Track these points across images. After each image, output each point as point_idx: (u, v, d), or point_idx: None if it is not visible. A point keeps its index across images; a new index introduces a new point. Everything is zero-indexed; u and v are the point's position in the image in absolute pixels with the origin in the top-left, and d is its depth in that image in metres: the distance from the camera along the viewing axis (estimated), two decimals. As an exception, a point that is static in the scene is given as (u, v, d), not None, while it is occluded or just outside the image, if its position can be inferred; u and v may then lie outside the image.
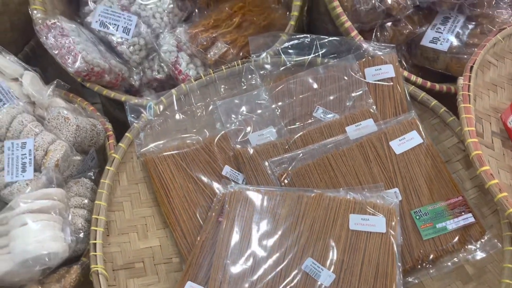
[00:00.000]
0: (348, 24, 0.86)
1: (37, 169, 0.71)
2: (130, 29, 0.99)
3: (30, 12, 0.92)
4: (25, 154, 0.69)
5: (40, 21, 0.93)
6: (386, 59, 0.85)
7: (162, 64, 1.02)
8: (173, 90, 0.87)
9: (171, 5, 1.02)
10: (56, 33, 0.91)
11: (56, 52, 0.90)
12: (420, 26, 0.96)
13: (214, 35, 0.96)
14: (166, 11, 1.02)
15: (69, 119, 0.78)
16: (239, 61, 0.90)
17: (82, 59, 0.88)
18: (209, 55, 0.95)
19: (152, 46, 1.02)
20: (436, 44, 0.95)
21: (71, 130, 0.77)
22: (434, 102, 0.83)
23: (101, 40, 1.01)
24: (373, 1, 0.87)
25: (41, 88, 0.85)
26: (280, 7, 1.12)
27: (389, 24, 0.94)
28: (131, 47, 1.00)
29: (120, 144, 0.80)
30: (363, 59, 0.86)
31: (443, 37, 0.94)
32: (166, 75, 1.03)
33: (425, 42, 0.96)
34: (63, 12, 1.07)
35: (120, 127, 0.89)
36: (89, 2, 1.06)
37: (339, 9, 0.85)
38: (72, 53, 0.88)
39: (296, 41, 0.90)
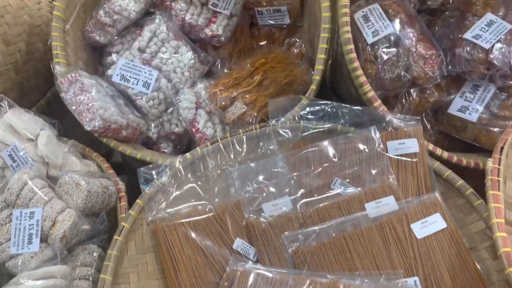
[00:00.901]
0: (372, 94, 0.82)
1: (44, 239, 0.70)
2: (150, 83, 0.98)
3: (52, 66, 0.93)
4: (32, 224, 0.68)
5: (61, 75, 0.94)
6: (410, 133, 0.81)
7: (180, 118, 1.01)
8: (187, 154, 0.85)
9: (192, 60, 1.01)
10: (76, 89, 0.91)
11: (74, 108, 0.90)
12: (448, 93, 0.92)
13: (233, 95, 0.94)
14: (187, 66, 1.01)
15: (80, 185, 0.77)
16: (257, 125, 0.87)
17: (100, 117, 0.87)
18: (227, 115, 0.93)
19: (171, 100, 1.01)
20: (464, 113, 0.90)
21: (81, 196, 0.75)
22: (460, 182, 0.79)
23: (121, 93, 1.00)
24: (398, 70, 0.84)
25: (56, 148, 0.85)
26: (303, 62, 1.10)
27: (415, 90, 0.90)
28: (150, 101, 0.99)
29: (130, 211, 0.78)
30: (386, 131, 0.83)
31: (472, 106, 0.90)
32: (185, 129, 1.02)
33: (453, 110, 0.92)
34: (86, 61, 1.07)
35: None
36: (112, 53, 1.07)
37: (363, 78, 0.82)
38: (90, 111, 0.88)
39: (317, 108, 0.88)
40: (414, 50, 0.85)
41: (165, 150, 1.05)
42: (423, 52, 0.85)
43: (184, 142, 1.07)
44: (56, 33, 0.96)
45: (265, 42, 1.22)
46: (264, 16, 1.21)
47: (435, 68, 0.84)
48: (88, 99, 0.89)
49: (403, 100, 0.91)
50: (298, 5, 1.19)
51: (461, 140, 0.95)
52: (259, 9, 1.20)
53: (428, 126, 0.96)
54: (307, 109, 0.89)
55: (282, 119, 0.88)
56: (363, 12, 0.91)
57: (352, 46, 0.82)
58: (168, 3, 1.13)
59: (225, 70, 1.10)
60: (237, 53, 1.19)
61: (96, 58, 1.11)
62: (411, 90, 0.90)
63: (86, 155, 0.95)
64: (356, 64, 0.82)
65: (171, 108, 1.04)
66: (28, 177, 0.76)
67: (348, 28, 0.83)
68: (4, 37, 0.97)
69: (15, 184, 0.74)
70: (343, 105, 0.85)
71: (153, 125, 1.03)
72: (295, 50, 1.13)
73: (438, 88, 0.91)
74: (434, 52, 0.86)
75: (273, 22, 1.22)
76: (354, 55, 0.83)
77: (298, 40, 1.16)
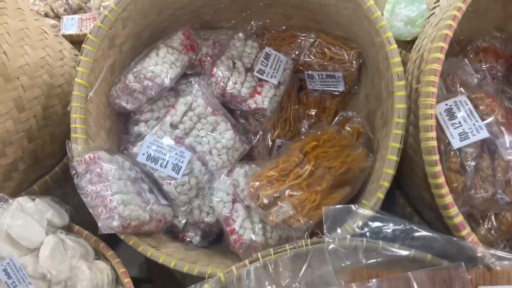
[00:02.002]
0: (459, 219, 0.65)
1: None
2: (181, 167, 0.83)
3: (68, 146, 0.78)
4: None
5: (78, 155, 0.79)
6: (511, 276, 0.63)
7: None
8: (221, 275, 0.68)
9: (232, 141, 0.86)
10: (93, 175, 0.76)
11: (89, 199, 0.75)
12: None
13: (277, 194, 0.78)
14: (225, 148, 0.85)
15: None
16: (308, 240, 0.70)
17: (118, 216, 0.72)
18: (270, 217, 0.77)
19: (203, 186, 0.86)
20: None
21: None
22: None
23: (146, 174, 0.86)
24: (494, 189, 0.66)
25: (61, 260, 0.70)
26: (359, 144, 0.93)
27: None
28: (179, 187, 0.84)
29: None
30: (475, 269, 0.64)
31: None
32: (217, 219, 0.86)
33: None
34: (109, 128, 0.93)
35: None
36: (139, 121, 0.92)
37: (449, 199, 0.65)
38: (107, 207, 0.73)
39: (383, 225, 0.70)
40: (515, 164, 0.67)
41: (192, 240, 0.90)
42: (528, 167, 0.67)
43: (215, 231, 0.92)
44: (76, 103, 0.82)
45: (314, 110, 1.06)
46: (315, 80, 1.05)
47: (543, 190, 0.66)
48: (106, 191, 0.74)
49: (492, 217, 0.73)
50: (356, 72, 1.03)
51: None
52: (310, 72, 1.04)
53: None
54: (371, 223, 0.71)
55: (339, 233, 0.71)
56: (446, 105, 0.74)
57: (437, 157, 0.65)
58: (207, 63, 0.99)
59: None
60: (282, 123, 1.03)
61: (121, 125, 0.97)
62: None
63: (100, 252, 0.80)
64: (441, 180, 0.65)
65: (203, 192, 0.88)
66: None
67: (433, 134, 0.65)
68: (18, 102, 0.83)
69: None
70: (416, 228, 0.67)
71: (181, 210, 0.88)
72: (348, 129, 0.97)
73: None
74: (541, 167, 0.68)
75: (325, 88, 1.06)
76: (439, 168, 0.65)
77: (354, 115, 1.00)
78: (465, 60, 0.89)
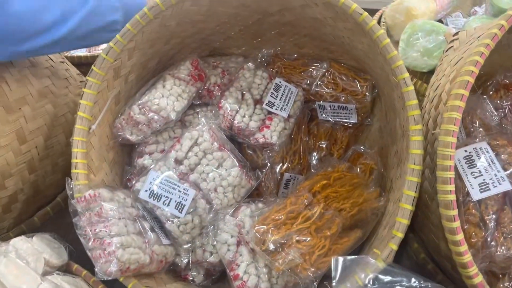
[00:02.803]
0: (479, 280, 0.60)
1: None
2: (184, 205, 0.80)
3: (66, 184, 0.75)
4: None
5: (78, 191, 0.76)
6: None
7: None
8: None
9: (238, 178, 0.82)
10: (93, 214, 0.73)
11: (86, 241, 0.72)
12: None
13: (285, 240, 0.74)
14: (231, 186, 0.82)
15: None
16: (315, 292, 0.67)
17: (117, 260, 0.69)
18: (277, 264, 0.73)
19: (207, 224, 0.83)
20: None
21: None
22: None
23: (148, 211, 0.82)
24: (517, 247, 0.62)
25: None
26: (371, 182, 0.89)
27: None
28: (182, 226, 0.81)
29: None
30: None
31: None
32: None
33: None
34: (112, 160, 0.90)
35: None
36: (144, 153, 0.89)
37: (468, 257, 0.60)
38: (106, 251, 0.69)
39: (396, 280, 0.66)
40: (539, 221, 0.62)
41: (195, 279, 0.86)
42: (553, 225, 0.62)
43: (218, 270, 0.88)
44: (78, 137, 0.79)
45: (325, 142, 1.03)
46: (327, 111, 1.02)
47: None
48: (105, 232, 0.71)
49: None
50: (369, 104, 0.99)
51: None
52: (321, 103, 1.01)
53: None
54: (382, 276, 0.67)
55: (348, 285, 0.67)
56: (466, 151, 0.69)
57: (455, 212, 0.61)
58: (215, 93, 0.96)
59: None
60: (291, 156, 0.99)
61: (125, 155, 0.95)
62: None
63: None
64: (460, 237, 0.61)
65: (207, 230, 0.84)
66: None
67: (452, 187, 0.61)
68: (19, 133, 0.81)
69: None
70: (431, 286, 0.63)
71: (183, 249, 0.84)
72: (361, 165, 0.93)
73: None
74: None
75: (336, 120, 1.02)
76: (457, 224, 0.61)
77: (366, 150, 0.96)
78: (485, 97, 0.85)
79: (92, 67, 0.80)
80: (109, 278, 0.69)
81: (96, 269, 0.69)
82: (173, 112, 0.85)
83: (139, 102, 0.85)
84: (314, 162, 1.00)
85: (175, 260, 0.84)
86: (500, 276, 0.69)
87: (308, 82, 1.01)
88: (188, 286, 0.85)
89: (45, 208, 0.91)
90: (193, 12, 0.87)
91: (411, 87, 0.71)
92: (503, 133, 0.72)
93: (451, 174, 0.61)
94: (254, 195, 0.96)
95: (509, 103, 0.87)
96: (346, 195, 0.84)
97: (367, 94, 0.97)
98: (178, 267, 0.85)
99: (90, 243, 0.71)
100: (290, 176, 0.97)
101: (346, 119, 1.02)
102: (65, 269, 0.78)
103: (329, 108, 1.01)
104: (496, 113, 0.83)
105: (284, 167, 0.98)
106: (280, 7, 0.89)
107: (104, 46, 0.83)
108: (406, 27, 1.05)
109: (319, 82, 1.00)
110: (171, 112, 0.85)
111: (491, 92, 0.90)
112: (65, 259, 0.77)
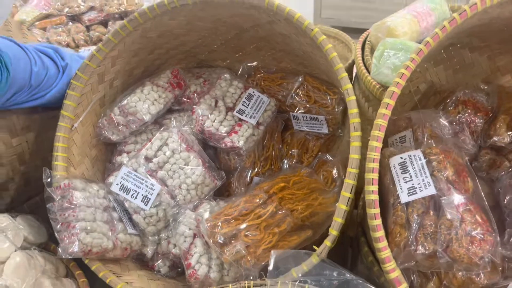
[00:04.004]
0: (395, 274, 0.65)
1: None
2: (150, 199, 0.87)
3: (44, 173, 0.85)
4: None
5: (56, 181, 0.86)
6: None
7: (177, 241, 0.89)
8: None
9: (202, 177, 0.90)
10: (65, 201, 0.82)
11: (55, 224, 0.81)
12: (504, 275, 0.71)
13: (234, 232, 0.80)
14: (194, 183, 0.89)
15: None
16: (251, 282, 0.72)
17: (79, 242, 0.77)
18: (224, 255, 0.79)
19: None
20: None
21: None
22: None
23: (119, 203, 0.91)
24: (434, 246, 0.66)
25: (25, 274, 0.75)
26: (330, 189, 0.94)
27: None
28: (148, 218, 0.88)
29: None
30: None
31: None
32: (183, 251, 0.89)
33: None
34: (94, 157, 1.00)
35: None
36: (122, 152, 0.98)
37: (386, 253, 0.65)
38: (70, 233, 0.78)
39: (327, 273, 0.71)
40: (458, 224, 0.66)
41: (161, 270, 0.93)
42: (471, 228, 0.66)
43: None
44: (60, 133, 0.89)
45: (297, 150, 1.09)
46: (300, 122, 1.08)
47: (485, 252, 0.65)
48: (72, 217, 0.79)
49: (442, 276, 0.72)
50: (339, 116, 1.05)
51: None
52: (295, 114, 1.07)
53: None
54: (315, 273, 0.72)
55: (281, 279, 0.72)
56: (401, 158, 0.74)
57: (376, 211, 0.66)
58: (194, 100, 1.04)
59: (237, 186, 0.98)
60: (263, 161, 1.06)
61: (109, 154, 1.04)
62: (453, 266, 0.71)
63: (70, 271, 0.85)
64: (380, 234, 0.66)
65: (173, 224, 0.92)
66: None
67: (374, 187, 0.66)
68: (10, 128, 0.91)
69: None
70: (356, 281, 0.68)
71: (150, 240, 0.92)
72: (324, 172, 0.98)
73: (492, 267, 0.71)
74: (486, 229, 0.67)
75: (308, 130, 1.08)
76: (378, 221, 0.66)
77: (331, 158, 1.01)
78: (440, 112, 0.89)
79: (76, 71, 0.90)
80: (70, 257, 0.77)
81: (59, 248, 0.77)
82: (148, 114, 0.94)
83: (119, 104, 0.95)
84: (285, 168, 1.07)
85: (142, 250, 0.92)
86: (430, 277, 0.72)
87: (284, 94, 1.08)
88: (153, 276, 0.92)
89: (34, 198, 1.01)
90: (173, 25, 0.96)
91: (353, 97, 0.77)
92: (440, 143, 0.76)
93: (374, 176, 0.67)
94: (225, 196, 1.03)
95: (465, 118, 0.91)
96: (301, 197, 0.89)
97: (336, 106, 1.03)
98: (145, 257, 0.93)
99: (58, 226, 0.80)
100: (260, 180, 1.03)
101: (317, 129, 1.08)
102: (43, 247, 0.86)
103: (302, 119, 1.07)
104: (449, 127, 0.87)
105: (255, 171, 1.04)
106: (252, 23, 0.97)
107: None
108: (379, 44, 1.10)
109: (294, 95, 1.07)
110: (145, 114, 0.93)
111: (450, 108, 0.94)
112: (44, 238, 0.86)
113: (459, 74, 1.02)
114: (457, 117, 0.92)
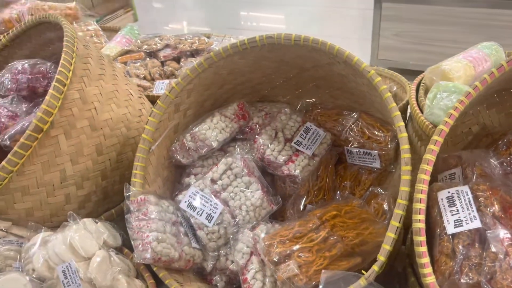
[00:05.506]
0: (437, 297, 0.69)
1: None
2: (213, 217, 0.97)
3: (125, 188, 0.97)
4: None
5: (133, 195, 0.98)
6: None
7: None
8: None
9: (260, 200, 0.98)
10: (140, 214, 0.93)
11: (131, 233, 0.92)
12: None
13: (288, 252, 0.87)
14: (253, 206, 0.98)
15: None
16: (303, 298, 0.79)
17: (151, 250, 0.88)
18: (278, 273, 0.87)
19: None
20: None
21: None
22: None
23: (185, 219, 1.01)
24: (478, 277, 0.70)
25: (106, 270, 0.87)
26: (382, 219, 0.99)
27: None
28: (210, 235, 0.98)
29: None
30: None
31: None
32: (240, 268, 0.97)
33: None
34: (166, 177, 1.11)
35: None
36: (190, 174, 1.09)
37: (430, 279, 0.70)
38: (144, 241, 0.89)
39: (373, 295, 0.76)
40: (503, 256, 0.70)
41: (218, 284, 1.01)
42: (515, 263, 0.69)
43: (239, 279, 1.02)
44: (140, 154, 1.02)
45: (350, 182, 1.15)
46: (353, 156, 1.15)
47: (528, 288, 0.68)
48: (147, 227, 0.90)
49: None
50: (392, 152, 1.11)
51: None
52: (349, 148, 1.14)
53: None
54: (363, 293, 0.78)
55: (333, 296, 0.78)
56: (449, 192, 0.79)
57: (422, 239, 0.71)
58: (256, 131, 1.14)
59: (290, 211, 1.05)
60: (316, 191, 1.13)
61: (178, 175, 1.15)
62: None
63: (140, 273, 0.96)
64: (425, 260, 0.71)
65: (232, 243, 1.00)
66: (67, 301, 0.78)
67: (421, 217, 0.72)
68: (98, 147, 1.05)
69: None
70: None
71: (210, 256, 1.01)
72: (375, 205, 1.04)
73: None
74: (531, 264, 0.70)
75: (361, 164, 1.15)
76: (424, 249, 0.71)
77: (382, 192, 1.07)
78: (490, 152, 0.94)
79: (158, 101, 1.03)
80: (143, 262, 0.87)
81: (134, 254, 0.88)
82: (216, 141, 1.05)
83: (191, 131, 1.07)
84: (337, 198, 1.13)
85: (202, 264, 1.01)
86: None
87: (339, 129, 1.16)
88: (211, 288, 1.00)
89: (110, 210, 1.14)
90: (241, 64, 1.08)
91: (405, 134, 0.83)
92: (489, 181, 0.81)
93: (421, 206, 0.72)
94: (279, 220, 1.11)
95: (516, 159, 0.95)
96: (352, 226, 0.95)
97: (388, 143, 1.09)
98: (205, 270, 1.01)
99: (134, 235, 0.91)
100: (312, 207, 1.10)
101: (370, 164, 1.14)
102: (118, 251, 0.98)
103: (355, 153, 1.14)
104: (499, 168, 0.91)
105: (309, 199, 1.11)
106: (312, 64, 1.07)
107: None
108: (432, 87, 1.16)
109: (348, 130, 1.15)
110: (213, 141, 1.05)
111: (501, 149, 0.98)
112: (119, 242, 0.97)
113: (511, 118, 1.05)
114: (508, 158, 0.95)
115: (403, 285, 1.00)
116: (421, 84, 1.39)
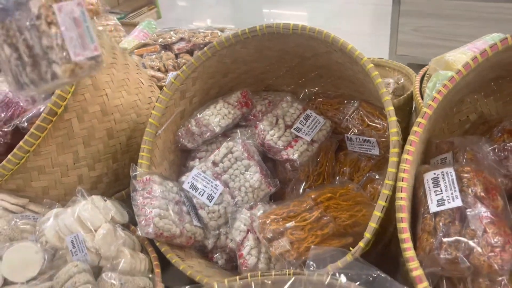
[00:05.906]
0: (418, 273, 0.72)
1: None
2: (213, 197, 1.02)
3: (131, 168, 1.03)
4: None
5: (140, 175, 1.04)
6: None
7: (235, 235, 1.02)
8: (214, 284, 0.84)
9: (258, 182, 1.03)
10: (145, 192, 0.99)
11: (136, 210, 0.98)
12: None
13: (281, 230, 0.92)
14: (251, 187, 1.03)
15: (114, 285, 0.83)
16: (291, 271, 0.83)
17: (153, 225, 0.94)
18: (272, 249, 0.91)
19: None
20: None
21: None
22: None
23: (188, 199, 1.07)
24: (457, 253, 0.73)
25: (111, 241, 0.93)
26: (375, 203, 1.03)
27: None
28: (210, 214, 1.03)
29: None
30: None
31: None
32: (238, 246, 1.03)
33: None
34: (172, 161, 1.18)
35: None
36: (195, 158, 1.15)
37: (410, 253, 0.73)
38: (147, 217, 0.95)
39: (361, 271, 0.80)
40: (481, 234, 0.73)
41: (218, 261, 1.07)
42: (492, 239, 0.72)
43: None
44: (146, 137, 1.08)
45: (349, 169, 1.19)
46: (353, 143, 1.18)
47: (504, 262, 0.71)
48: (150, 205, 0.96)
49: (468, 283, 0.77)
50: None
51: None
52: (349, 135, 1.18)
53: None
54: (348, 271, 0.81)
55: (319, 271, 0.82)
56: (434, 174, 0.82)
57: (404, 215, 0.75)
58: (260, 118, 1.19)
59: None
60: (316, 176, 1.17)
61: (183, 159, 1.21)
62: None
63: (144, 248, 1.02)
64: (405, 236, 0.74)
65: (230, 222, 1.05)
66: (76, 271, 0.85)
67: (403, 194, 0.75)
68: (109, 131, 1.12)
69: (63, 275, 0.84)
70: (390, 279, 0.76)
71: (211, 234, 1.06)
72: (371, 189, 1.07)
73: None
74: (508, 240, 0.72)
75: (361, 151, 1.18)
76: (405, 224, 0.75)
77: (378, 177, 1.10)
78: (483, 139, 0.96)
79: (164, 87, 1.09)
80: (146, 236, 0.94)
81: (138, 228, 0.94)
82: (218, 126, 1.10)
83: (196, 117, 1.12)
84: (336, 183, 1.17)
85: (204, 242, 1.06)
86: (457, 284, 0.78)
87: (340, 117, 1.20)
88: (212, 265, 1.06)
89: (120, 192, 1.21)
90: (244, 53, 1.13)
91: (394, 118, 0.87)
92: (475, 164, 0.83)
93: (403, 184, 0.76)
94: (279, 204, 1.15)
95: (510, 146, 0.96)
96: (346, 208, 0.99)
97: (387, 130, 1.12)
98: (206, 248, 1.07)
99: (138, 211, 0.97)
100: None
101: (369, 151, 1.17)
102: (125, 227, 1.04)
103: (355, 140, 1.18)
104: (491, 152, 0.93)
105: (308, 184, 1.15)
106: (312, 53, 1.11)
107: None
108: (432, 76, 1.19)
109: (349, 118, 1.18)
110: (216, 126, 1.10)
111: (495, 136, 1.00)
112: (126, 219, 1.04)
113: (509, 106, 1.07)
114: (502, 144, 0.97)
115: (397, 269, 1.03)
116: (426, 74, 1.41)
